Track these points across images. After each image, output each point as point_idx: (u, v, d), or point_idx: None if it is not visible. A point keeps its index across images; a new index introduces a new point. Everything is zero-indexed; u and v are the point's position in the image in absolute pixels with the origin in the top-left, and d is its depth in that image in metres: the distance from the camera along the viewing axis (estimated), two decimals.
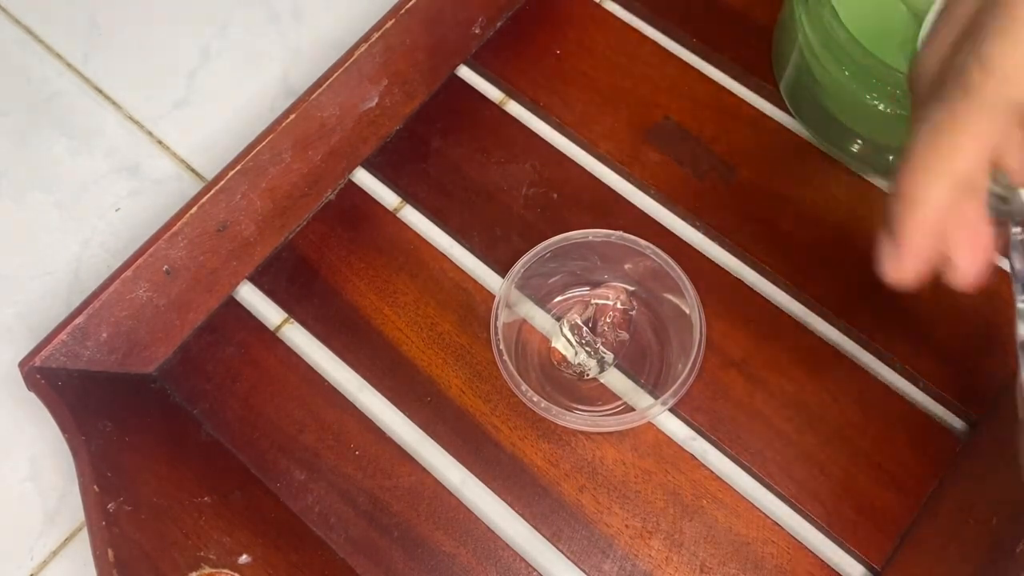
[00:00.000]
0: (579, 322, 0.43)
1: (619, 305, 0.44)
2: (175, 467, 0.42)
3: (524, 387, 0.40)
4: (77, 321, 0.41)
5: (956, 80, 0.26)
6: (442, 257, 0.47)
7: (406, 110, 0.50)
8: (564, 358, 0.44)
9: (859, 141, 0.44)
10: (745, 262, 0.46)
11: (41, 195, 0.51)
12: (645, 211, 0.47)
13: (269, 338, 0.46)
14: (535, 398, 0.40)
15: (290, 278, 0.47)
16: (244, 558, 0.40)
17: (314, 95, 0.45)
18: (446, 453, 0.43)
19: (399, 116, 0.49)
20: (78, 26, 0.55)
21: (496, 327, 0.41)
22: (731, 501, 0.41)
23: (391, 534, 0.42)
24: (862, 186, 0.46)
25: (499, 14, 0.51)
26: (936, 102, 0.27)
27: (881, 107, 0.41)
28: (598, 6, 0.52)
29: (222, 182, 0.44)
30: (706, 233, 0.47)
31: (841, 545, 0.41)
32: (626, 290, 0.44)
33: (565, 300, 0.45)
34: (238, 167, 0.44)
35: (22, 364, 0.41)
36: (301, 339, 0.46)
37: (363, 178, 0.49)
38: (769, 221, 0.46)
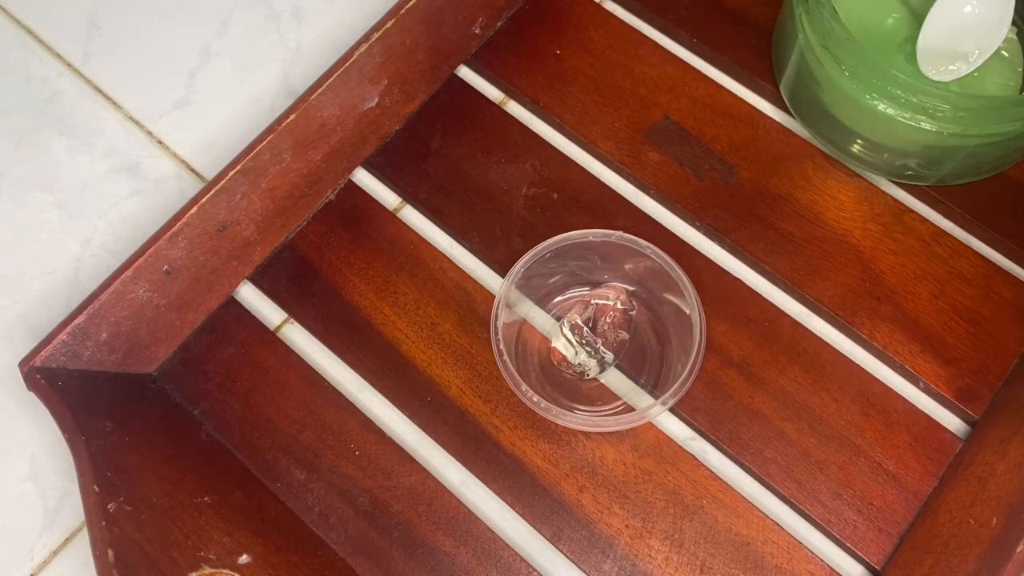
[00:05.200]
0: (579, 322, 0.43)
1: (619, 305, 0.44)
2: (175, 467, 0.42)
3: (524, 387, 0.40)
4: (77, 321, 0.42)
5: None
6: (442, 257, 0.47)
7: (406, 110, 0.50)
8: (564, 358, 0.44)
9: (859, 141, 0.44)
10: (745, 262, 0.46)
11: (41, 195, 0.51)
12: (645, 211, 0.47)
13: (269, 338, 0.46)
14: (535, 398, 0.40)
15: (290, 278, 0.47)
16: (244, 558, 0.40)
17: (314, 95, 0.45)
18: (446, 453, 0.43)
19: (399, 116, 0.49)
20: (78, 26, 0.55)
21: (496, 327, 0.41)
22: (731, 501, 0.41)
23: (391, 534, 0.42)
24: (862, 186, 0.47)
25: (499, 14, 0.51)
26: None
27: (881, 107, 0.41)
28: (598, 6, 0.52)
29: (222, 182, 0.44)
30: (706, 233, 0.47)
31: (841, 545, 0.41)
32: (626, 290, 0.44)
33: (565, 300, 0.45)
34: (238, 167, 0.44)
35: (22, 364, 0.41)
36: (301, 339, 0.46)
37: (363, 178, 0.49)
38: (769, 221, 0.46)
